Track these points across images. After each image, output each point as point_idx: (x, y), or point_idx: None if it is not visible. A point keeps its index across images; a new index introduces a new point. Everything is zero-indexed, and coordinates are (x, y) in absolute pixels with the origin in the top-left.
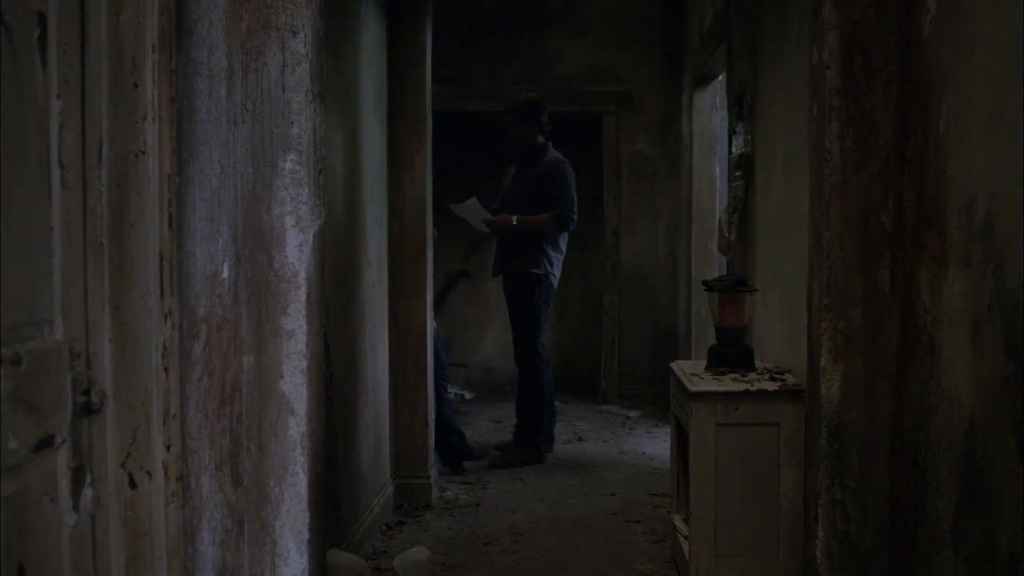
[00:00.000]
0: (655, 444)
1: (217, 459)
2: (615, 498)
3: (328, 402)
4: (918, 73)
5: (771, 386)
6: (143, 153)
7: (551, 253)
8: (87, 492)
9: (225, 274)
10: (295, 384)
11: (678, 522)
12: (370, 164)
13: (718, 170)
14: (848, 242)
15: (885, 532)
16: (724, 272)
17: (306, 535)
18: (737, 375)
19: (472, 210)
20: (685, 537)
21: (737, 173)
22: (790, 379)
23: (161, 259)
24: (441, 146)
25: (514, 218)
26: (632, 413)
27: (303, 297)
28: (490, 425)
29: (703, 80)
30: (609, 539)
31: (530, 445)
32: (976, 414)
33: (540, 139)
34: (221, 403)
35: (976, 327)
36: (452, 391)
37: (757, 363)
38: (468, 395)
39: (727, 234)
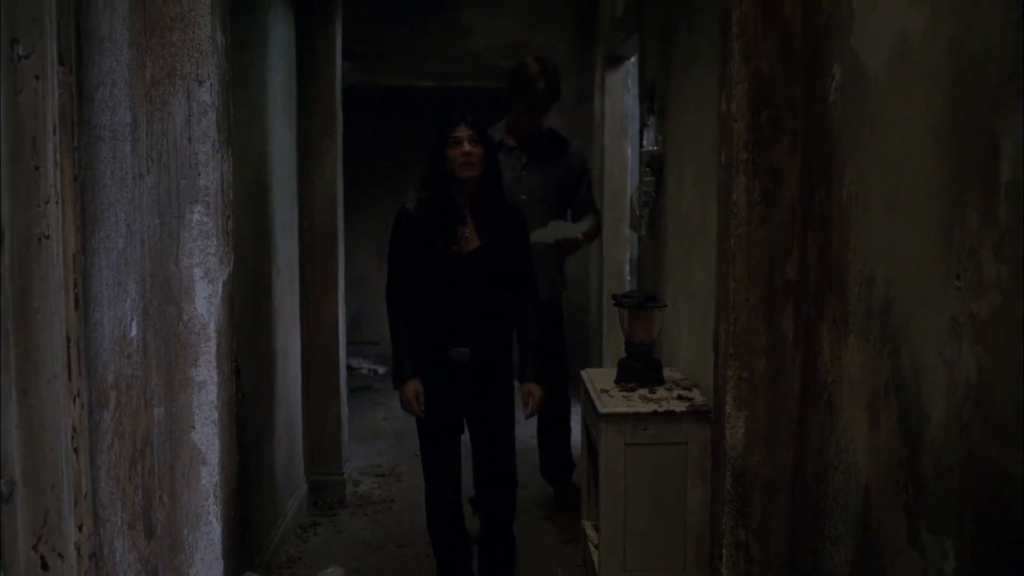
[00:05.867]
0: None
1: (130, 518)
2: (526, 492)
3: (239, 423)
4: (824, 129)
5: (679, 406)
6: (47, 237)
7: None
8: None
9: (133, 332)
10: (207, 435)
11: (589, 529)
12: (280, 167)
13: (630, 151)
14: (753, 294)
15: (786, 572)
16: (635, 250)
17: None
18: (646, 391)
19: (555, 229)
20: (595, 546)
21: (647, 169)
22: (697, 398)
23: (68, 341)
24: (358, 122)
25: (580, 233)
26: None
27: (213, 348)
28: None
29: (615, 61)
30: (521, 539)
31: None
32: (872, 485)
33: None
34: (132, 463)
35: (873, 401)
36: (365, 366)
37: (666, 372)
38: (381, 370)
39: (638, 213)
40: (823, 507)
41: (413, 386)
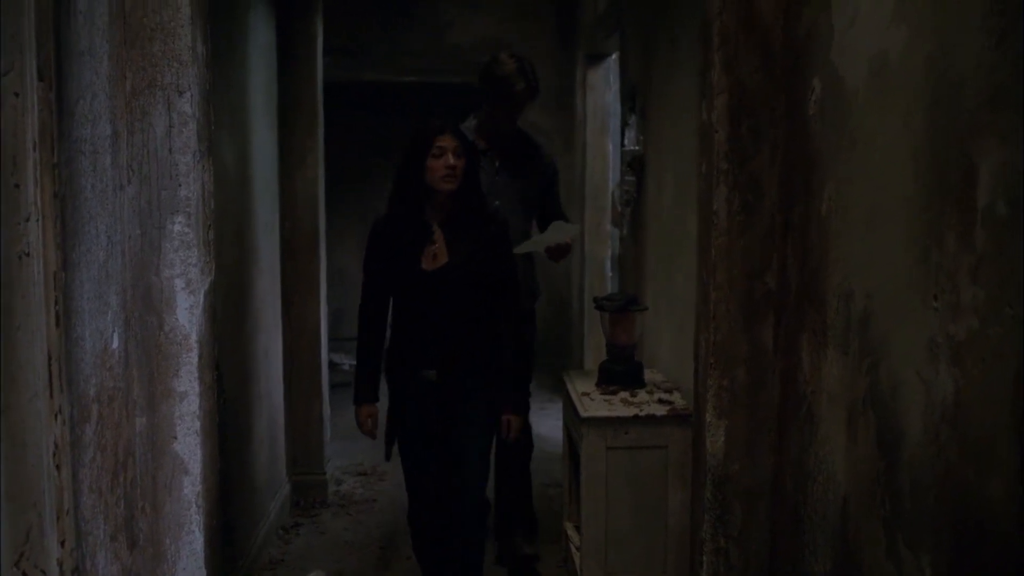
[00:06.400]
0: (547, 422)
1: (112, 530)
2: None
3: (221, 430)
4: (804, 141)
5: (660, 410)
6: (27, 255)
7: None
8: None
9: (115, 344)
10: (189, 445)
11: (570, 530)
12: (261, 169)
13: (611, 147)
14: (733, 303)
15: None
16: (616, 246)
17: None
18: (627, 394)
19: (556, 232)
20: (577, 548)
21: (628, 168)
22: (678, 401)
23: (49, 358)
24: (338, 118)
25: (569, 237)
26: None
27: (195, 358)
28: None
29: (597, 58)
30: None
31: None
32: (850, 497)
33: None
34: (114, 474)
35: (852, 415)
36: (347, 362)
37: (647, 374)
38: None
39: (620, 210)
40: (802, 516)
41: (367, 410)
